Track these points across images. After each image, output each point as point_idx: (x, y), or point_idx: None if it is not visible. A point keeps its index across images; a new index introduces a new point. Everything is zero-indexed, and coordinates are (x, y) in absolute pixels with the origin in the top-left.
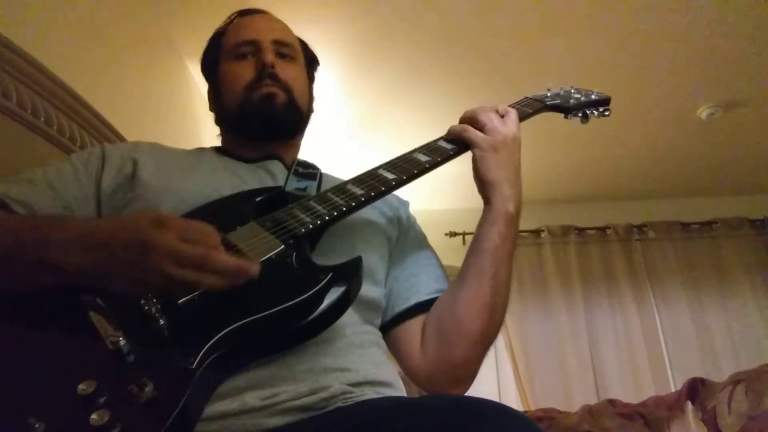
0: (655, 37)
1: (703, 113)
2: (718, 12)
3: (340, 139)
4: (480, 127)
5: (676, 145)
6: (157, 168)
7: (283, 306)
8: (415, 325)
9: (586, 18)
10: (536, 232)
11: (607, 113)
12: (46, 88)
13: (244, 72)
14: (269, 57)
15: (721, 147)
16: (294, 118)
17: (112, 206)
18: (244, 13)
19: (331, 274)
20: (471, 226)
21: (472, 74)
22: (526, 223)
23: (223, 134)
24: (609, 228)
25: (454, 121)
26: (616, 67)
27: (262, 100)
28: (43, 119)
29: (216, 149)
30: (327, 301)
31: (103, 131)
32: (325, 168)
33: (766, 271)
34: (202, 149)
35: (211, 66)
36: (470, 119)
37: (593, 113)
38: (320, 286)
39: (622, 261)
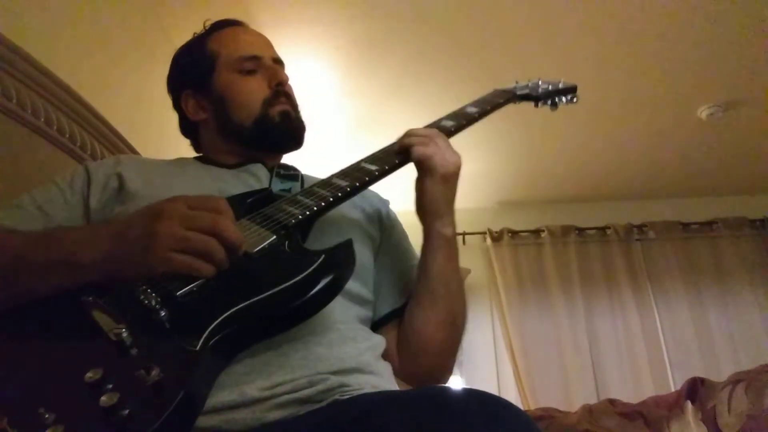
0: (655, 36)
1: (703, 113)
2: (718, 12)
3: (339, 139)
4: (431, 153)
5: (676, 145)
6: (142, 179)
7: (282, 286)
8: (393, 330)
9: (586, 19)
10: (536, 232)
11: (574, 100)
12: (46, 88)
13: (257, 87)
14: (284, 75)
15: (721, 147)
16: (304, 132)
17: (103, 219)
18: (224, 25)
19: (324, 255)
20: (469, 226)
21: (470, 75)
22: (526, 223)
23: (207, 142)
24: (609, 228)
25: None
26: (616, 68)
27: (281, 118)
28: (43, 119)
29: (197, 159)
30: (323, 280)
31: (103, 131)
32: (324, 168)
33: (766, 271)
34: (183, 159)
35: (197, 75)
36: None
37: (561, 101)
38: (316, 265)
39: (622, 261)
